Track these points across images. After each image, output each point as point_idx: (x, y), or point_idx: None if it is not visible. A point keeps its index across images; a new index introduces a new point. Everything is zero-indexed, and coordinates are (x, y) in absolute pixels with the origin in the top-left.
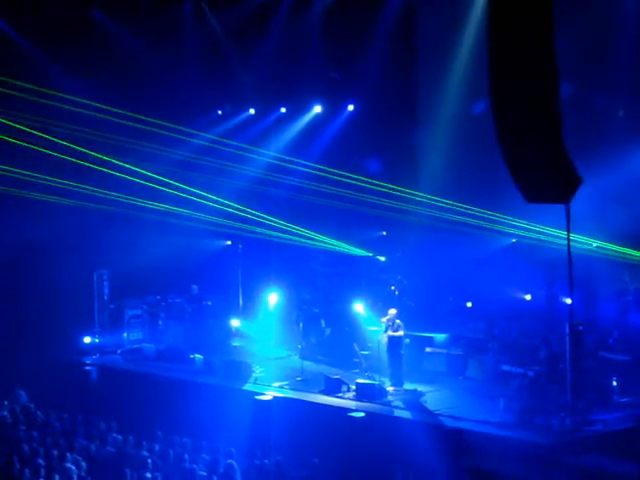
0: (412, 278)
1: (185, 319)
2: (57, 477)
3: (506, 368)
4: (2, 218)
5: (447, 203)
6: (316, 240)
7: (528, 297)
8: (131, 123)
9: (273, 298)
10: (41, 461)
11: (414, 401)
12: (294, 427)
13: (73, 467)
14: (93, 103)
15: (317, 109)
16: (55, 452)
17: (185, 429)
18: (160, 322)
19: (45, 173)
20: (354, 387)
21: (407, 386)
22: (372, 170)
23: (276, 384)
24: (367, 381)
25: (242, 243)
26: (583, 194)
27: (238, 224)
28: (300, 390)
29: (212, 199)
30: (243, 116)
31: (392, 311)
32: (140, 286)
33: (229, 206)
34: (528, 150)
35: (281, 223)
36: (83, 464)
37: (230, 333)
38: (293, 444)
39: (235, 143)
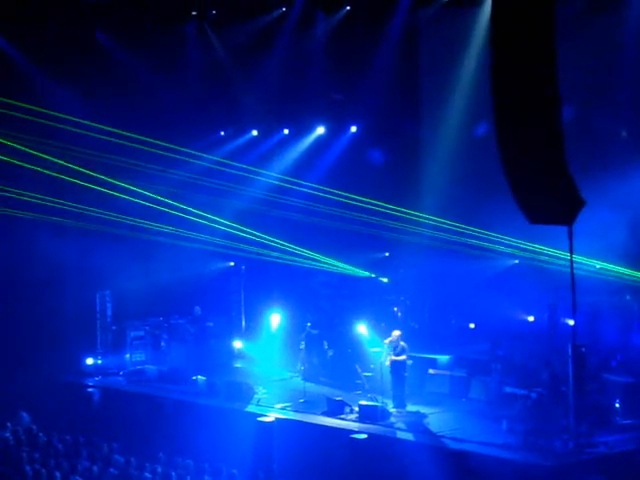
0: (415, 299)
1: (187, 340)
2: None
3: (509, 390)
4: (5, 239)
5: (450, 224)
6: (319, 261)
7: (531, 318)
8: (134, 144)
9: (275, 319)
10: None
11: (417, 423)
12: (297, 449)
13: None
14: (95, 124)
15: (320, 130)
16: (58, 474)
17: (187, 451)
18: (162, 343)
19: (47, 194)
20: (357, 409)
21: (410, 408)
22: (374, 190)
23: (278, 405)
24: (370, 403)
25: (245, 264)
26: (586, 215)
27: (241, 245)
28: (302, 412)
29: (215, 220)
30: (246, 137)
31: (396, 333)
32: (143, 307)
33: (232, 227)
34: (531, 171)
35: (284, 244)
36: None
37: (232, 354)
38: (295, 466)
39: (238, 164)
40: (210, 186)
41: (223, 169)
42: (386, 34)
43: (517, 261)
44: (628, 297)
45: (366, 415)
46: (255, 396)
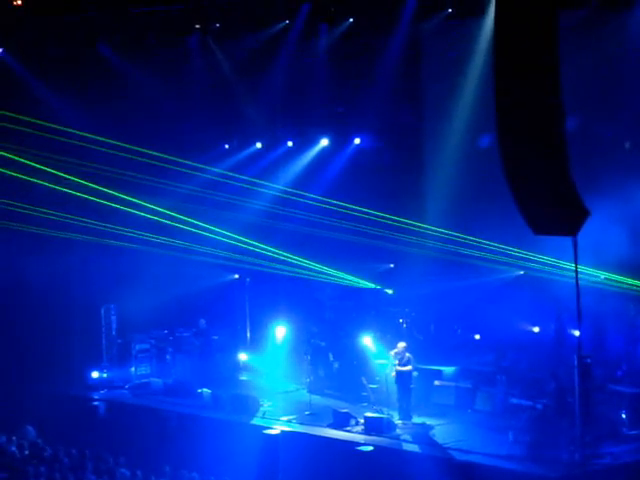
0: (420, 311)
1: (193, 353)
2: None
3: (515, 401)
4: (11, 253)
5: (455, 235)
6: (324, 273)
7: (536, 329)
8: (138, 157)
9: (281, 331)
10: None
11: (423, 434)
12: (302, 461)
13: None
14: (99, 137)
15: (324, 142)
16: None
17: (193, 464)
18: (168, 356)
19: (52, 208)
20: (362, 421)
21: (416, 419)
22: (379, 202)
23: (284, 418)
24: (375, 415)
25: (250, 276)
26: (590, 226)
27: (246, 257)
28: (308, 424)
29: (219, 233)
30: (250, 150)
31: (401, 344)
32: (148, 320)
33: (236, 240)
34: (535, 183)
35: (288, 256)
36: None
37: (238, 367)
38: (301, 478)
39: (242, 177)
40: (214, 199)
41: (227, 182)
42: (389, 47)
43: (522, 272)
44: (633, 307)
45: (372, 427)
46: (260, 409)
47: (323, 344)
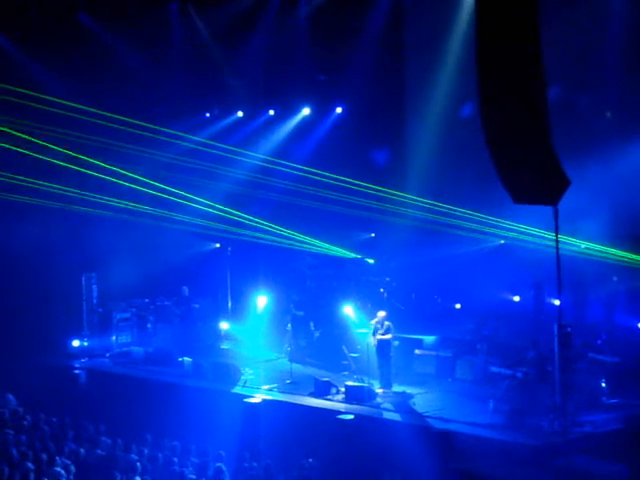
0: (401, 280)
1: (174, 322)
2: None
3: (495, 369)
4: None
5: (435, 205)
6: (305, 242)
7: (516, 298)
8: (119, 126)
9: (262, 301)
10: (30, 465)
11: (403, 403)
12: (283, 430)
13: (62, 471)
14: (80, 106)
15: (305, 111)
16: (44, 456)
17: (174, 432)
18: (149, 325)
19: (32, 176)
20: (343, 389)
21: (396, 388)
22: (360, 172)
23: (265, 387)
24: (356, 383)
25: (231, 246)
26: (571, 195)
27: (227, 227)
28: (289, 393)
29: (201, 202)
30: (231, 119)
31: (381, 313)
32: (129, 289)
33: (218, 209)
34: (516, 152)
35: (270, 225)
36: (72, 468)
37: (219, 336)
38: (282, 447)
39: (224, 146)
40: (196, 168)
41: (209, 150)
42: (371, 14)
43: (503, 241)
44: (614, 277)
45: (352, 396)
46: (242, 377)
47: (301, 313)
